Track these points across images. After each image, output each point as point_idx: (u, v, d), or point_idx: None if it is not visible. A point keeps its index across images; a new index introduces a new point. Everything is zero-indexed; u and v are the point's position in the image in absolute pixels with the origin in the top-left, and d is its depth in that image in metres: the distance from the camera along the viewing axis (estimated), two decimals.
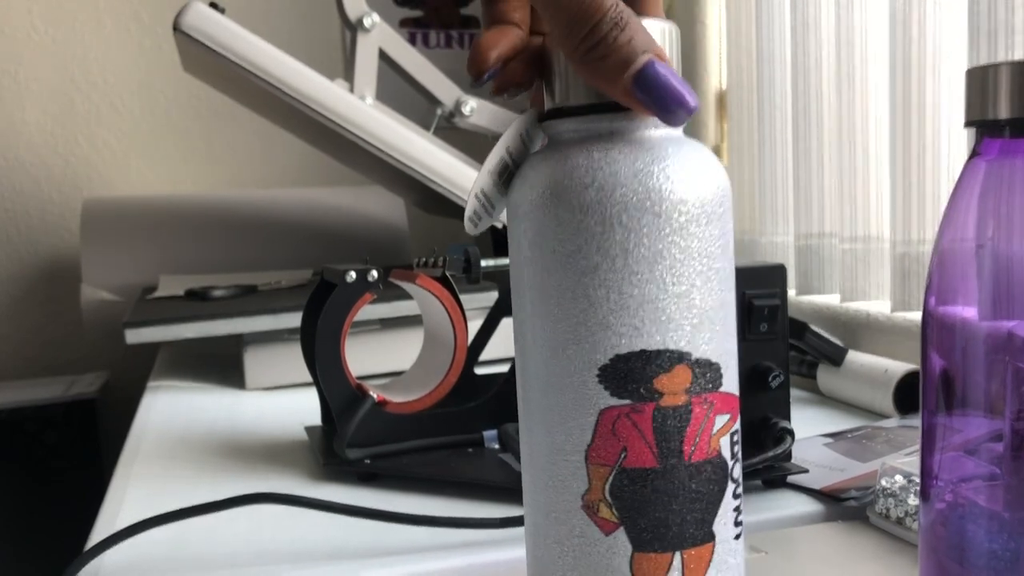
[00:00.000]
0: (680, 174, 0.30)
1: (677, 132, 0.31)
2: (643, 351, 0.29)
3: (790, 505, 0.50)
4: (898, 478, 0.46)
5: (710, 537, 0.31)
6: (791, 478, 0.52)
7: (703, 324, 0.30)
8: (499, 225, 0.94)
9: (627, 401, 0.30)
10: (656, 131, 0.31)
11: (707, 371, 0.30)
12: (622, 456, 0.30)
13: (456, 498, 0.53)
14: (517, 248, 0.32)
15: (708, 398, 0.30)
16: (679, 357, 0.30)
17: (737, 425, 0.31)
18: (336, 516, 0.49)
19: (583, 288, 0.30)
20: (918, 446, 0.50)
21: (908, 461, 0.47)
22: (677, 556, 0.30)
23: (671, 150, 0.30)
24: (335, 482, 0.57)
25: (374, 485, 0.56)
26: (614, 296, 0.29)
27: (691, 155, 0.30)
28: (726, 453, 0.31)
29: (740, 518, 0.32)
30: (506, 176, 0.33)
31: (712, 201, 0.30)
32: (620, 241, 0.29)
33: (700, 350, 0.30)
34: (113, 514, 0.54)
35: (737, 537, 0.32)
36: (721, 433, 0.31)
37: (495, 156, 0.33)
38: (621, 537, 0.30)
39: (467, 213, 0.34)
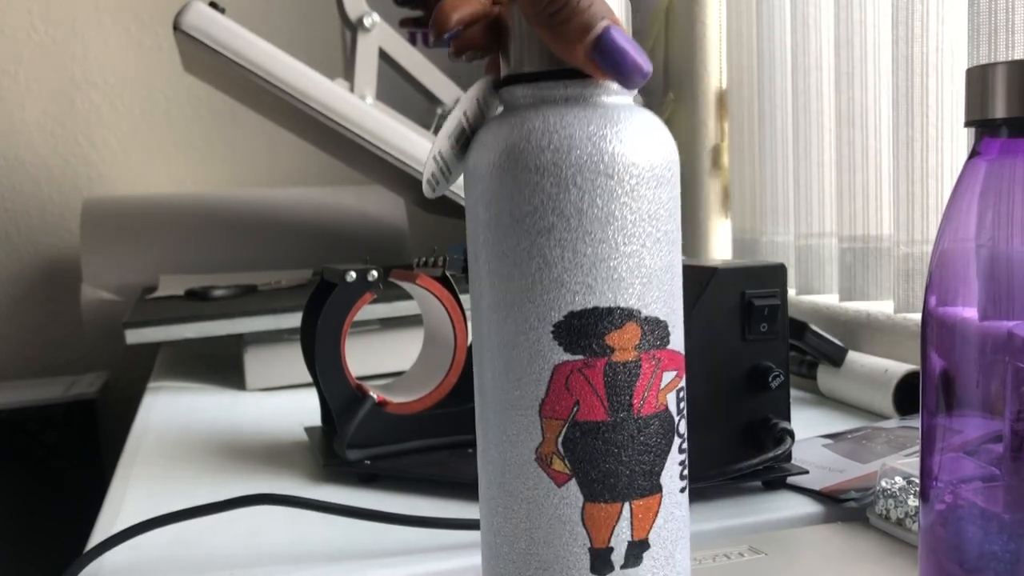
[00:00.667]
0: (632, 138, 0.31)
1: (628, 99, 0.32)
2: (596, 308, 0.31)
3: (790, 506, 0.50)
4: (898, 479, 0.46)
5: (657, 488, 0.32)
6: (791, 479, 0.52)
7: (652, 283, 0.31)
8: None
9: (580, 356, 0.31)
10: (609, 97, 0.32)
11: (655, 328, 0.32)
12: (575, 410, 0.31)
13: (456, 499, 0.53)
14: (474, 212, 0.33)
15: (656, 355, 0.32)
16: (629, 314, 0.31)
17: (683, 383, 0.33)
18: (336, 517, 0.49)
19: (539, 248, 0.31)
20: (918, 447, 0.50)
21: (908, 462, 0.47)
22: (626, 506, 0.32)
23: (623, 115, 0.31)
24: (335, 483, 0.57)
25: (374, 486, 0.56)
26: (568, 255, 0.31)
27: (642, 121, 0.32)
28: (672, 408, 0.32)
29: (685, 472, 0.33)
30: (463, 141, 0.34)
31: (661, 165, 0.32)
32: (575, 202, 0.31)
33: (649, 308, 0.31)
34: (113, 515, 0.53)
35: (682, 491, 0.33)
36: (668, 389, 0.32)
37: (453, 120, 0.34)
38: (573, 488, 0.31)
39: (425, 176, 0.35)
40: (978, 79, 0.31)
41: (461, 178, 0.35)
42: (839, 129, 0.80)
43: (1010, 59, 0.57)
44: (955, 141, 0.69)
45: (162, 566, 0.46)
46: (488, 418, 0.33)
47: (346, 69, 1.03)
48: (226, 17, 0.82)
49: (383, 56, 1.02)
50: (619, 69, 0.30)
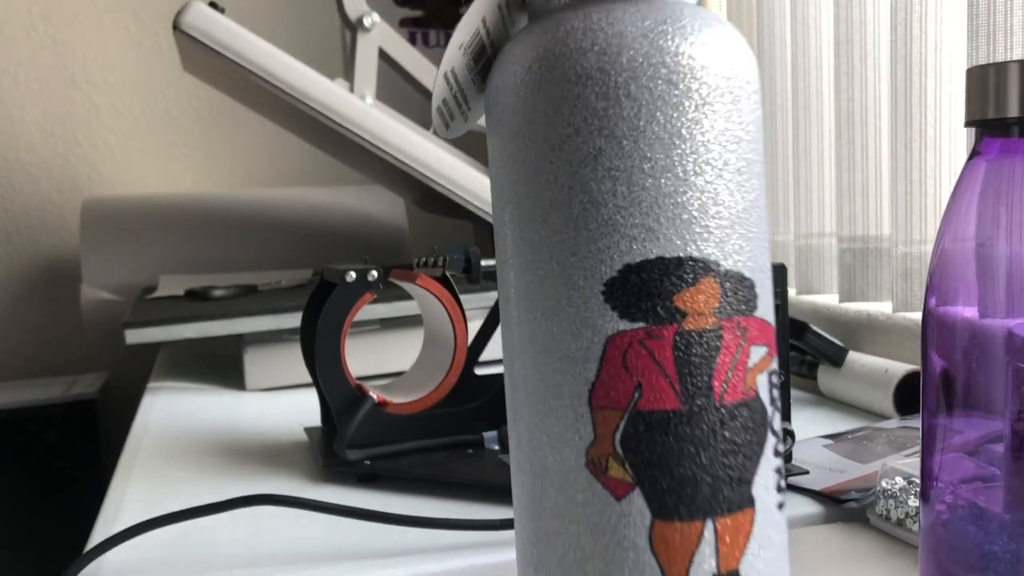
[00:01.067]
0: (702, 37, 0.24)
1: None
2: (660, 259, 0.24)
3: (790, 507, 0.50)
4: (898, 479, 0.46)
5: (749, 502, 0.24)
6: (791, 479, 0.52)
7: (733, 227, 0.24)
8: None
9: (640, 324, 0.24)
10: None
11: (740, 287, 0.24)
12: (636, 396, 0.24)
13: (456, 499, 0.53)
14: (498, 145, 0.26)
15: (742, 322, 0.24)
16: (705, 267, 0.24)
17: (775, 363, 0.25)
18: (336, 517, 0.49)
19: (581, 181, 0.24)
20: (918, 447, 0.50)
21: (908, 462, 0.47)
22: (709, 525, 0.24)
23: (688, 12, 0.24)
24: (335, 483, 0.57)
25: (374, 486, 0.56)
26: (621, 189, 0.24)
27: (710, 21, 0.25)
28: (764, 396, 0.25)
29: (783, 483, 0.26)
30: (483, 62, 0.27)
31: (740, 76, 0.25)
32: (628, 118, 0.24)
33: (731, 260, 0.24)
34: (113, 515, 0.53)
35: (780, 506, 0.26)
36: (758, 369, 0.25)
37: (467, 29, 0.27)
38: (637, 502, 0.24)
39: (434, 103, 0.28)
40: (979, 79, 0.31)
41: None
42: (839, 129, 0.80)
43: (1012, 59, 0.57)
44: (954, 141, 0.69)
45: (162, 566, 0.46)
46: (521, 414, 0.26)
47: (346, 69, 1.03)
48: (226, 17, 0.82)
49: (383, 56, 1.02)
50: None
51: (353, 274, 0.59)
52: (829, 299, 0.83)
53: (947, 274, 0.32)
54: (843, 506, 0.49)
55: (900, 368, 0.67)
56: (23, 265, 1.47)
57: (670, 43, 0.24)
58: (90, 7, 1.46)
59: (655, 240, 0.24)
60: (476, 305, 0.85)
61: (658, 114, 0.24)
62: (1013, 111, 0.30)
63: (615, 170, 0.24)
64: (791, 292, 0.88)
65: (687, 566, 0.24)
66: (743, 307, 0.24)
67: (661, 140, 0.24)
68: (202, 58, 0.86)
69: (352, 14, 1.00)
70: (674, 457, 0.24)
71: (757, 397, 0.25)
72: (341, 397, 0.59)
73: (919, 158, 0.70)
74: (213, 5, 0.83)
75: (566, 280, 0.24)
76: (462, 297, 0.63)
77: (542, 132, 0.24)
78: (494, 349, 0.69)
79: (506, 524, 0.46)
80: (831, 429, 0.62)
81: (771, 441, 0.25)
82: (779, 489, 0.26)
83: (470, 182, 0.89)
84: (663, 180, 0.24)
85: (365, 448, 0.58)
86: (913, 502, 0.44)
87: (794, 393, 0.75)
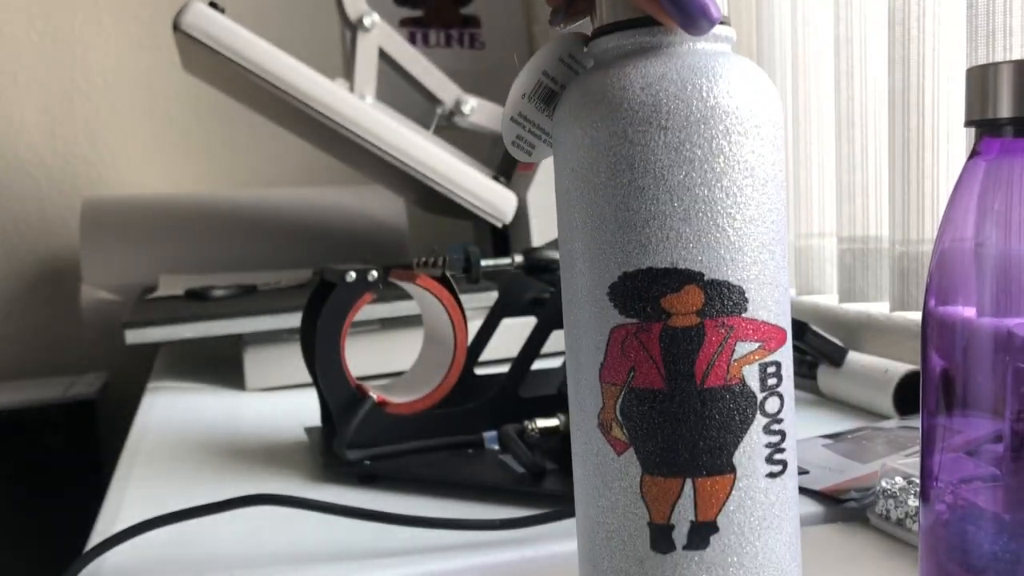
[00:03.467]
0: (731, 83, 0.29)
1: (724, 47, 0.31)
2: (650, 269, 0.29)
3: None
4: (898, 479, 0.46)
5: (729, 468, 0.30)
6: None
7: (720, 243, 0.29)
8: (500, 224, 0.94)
9: (634, 320, 0.29)
10: (701, 44, 0.30)
11: (725, 293, 0.29)
12: (630, 375, 0.30)
13: (456, 499, 0.53)
14: (557, 162, 0.32)
15: (727, 322, 0.29)
16: (689, 276, 0.29)
17: (775, 357, 0.30)
18: (336, 517, 0.49)
19: (595, 204, 0.30)
20: (918, 447, 0.50)
21: (908, 462, 0.47)
22: (688, 483, 0.30)
23: (720, 60, 0.29)
24: (335, 483, 0.57)
25: (374, 486, 0.56)
26: (621, 212, 0.29)
27: (742, 68, 0.30)
28: (753, 383, 0.30)
29: (779, 456, 0.30)
30: (553, 101, 0.33)
31: (765, 117, 0.29)
32: (626, 156, 0.29)
33: (717, 271, 0.29)
34: (113, 515, 0.53)
35: (772, 475, 0.30)
36: (745, 361, 0.30)
37: (529, 81, 0.33)
38: (632, 458, 0.30)
39: (508, 139, 0.34)
40: (978, 79, 0.31)
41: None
42: (838, 129, 0.80)
43: (1011, 59, 0.57)
44: (953, 141, 0.69)
45: (162, 566, 0.46)
46: (570, 381, 0.32)
47: (346, 69, 1.03)
48: (226, 17, 0.82)
49: (383, 56, 1.02)
50: (685, 12, 0.28)
51: (353, 274, 0.59)
52: (829, 299, 0.83)
53: (947, 274, 0.32)
54: (843, 506, 0.49)
55: (900, 368, 0.67)
56: (23, 265, 1.47)
57: (703, 86, 0.29)
58: (90, 7, 1.46)
59: (646, 254, 0.29)
60: (476, 305, 0.85)
61: (650, 154, 0.29)
62: (1014, 111, 0.30)
63: (615, 195, 0.29)
64: (791, 292, 0.88)
65: (668, 512, 0.30)
66: (729, 310, 0.29)
67: (651, 173, 0.29)
68: (202, 58, 0.86)
69: (352, 14, 1.00)
70: (658, 426, 0.30)
71: (743, 383, 0.30)
72: (341, 397, 0.59)
73: (918, 158, 0.70)
74: (213, 5, 0.83)
75: (587, 280, 0.31)
76: (462, 297, 0.63)
77: (586, 156, 0.30)
78: (494, 349, 0.69)
79: (506, 524, 0.46)
80: (831, 429, 0.62)
81: (759, 421, 0.30)
82: (771, 460, 0.30)
83: (470, 182, 0.89)
84: (651, 206, 0.29)
85: (365, 448, 0.58)
86: (913, 502, 0.44)
87: (794, 393, 0.75)
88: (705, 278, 0.29)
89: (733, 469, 0.30)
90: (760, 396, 0.30)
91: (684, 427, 0.29)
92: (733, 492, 0.30)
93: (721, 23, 0.30)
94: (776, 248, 0.30)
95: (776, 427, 0.30)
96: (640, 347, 0.29)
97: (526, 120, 0.34)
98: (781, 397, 0.30)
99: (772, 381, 0.30)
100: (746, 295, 0.29)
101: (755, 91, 0.30)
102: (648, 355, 0.29)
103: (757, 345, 0.30)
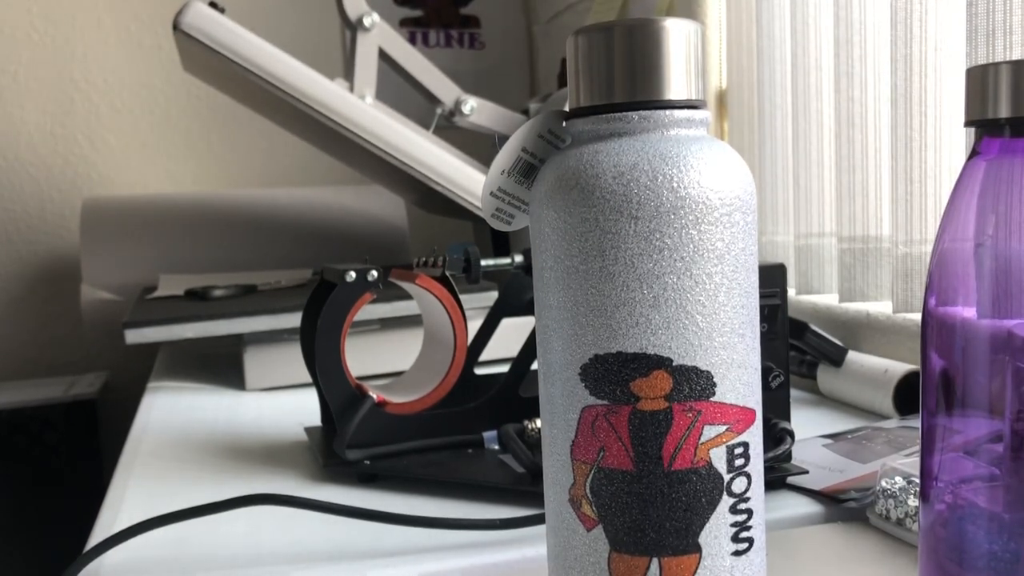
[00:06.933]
0: (702, 169, 0.29)
1: (699, 131, 0.31)
2: (620, 353, 0.29)
3: (790, 506, 0.50)
4: (898, 479, 0.46)
5: (694, 548, 0.30)
6: (791, 479, 0.52)
7: (689, 329, 0.29)
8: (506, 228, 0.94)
9: (605, 402, 0.30)
10: (674, 130, 0.30)
11: (693, 379, 0.29)
12: (600, 455, 0.30)
13: (456, 499, 0.53)
14: (534, 235, 0.33)
15: (694, 406, 0.30)
16: (659, 362, 0.29)
17: (743, 438, 0.30)
18: (336, 517, 0.49)
19: (570, 287, 0.30)
20: (918, 447, 0.50)
21: (908, 462, 0.47)
22: (655, 562, 0.30)
23: (693, 146, 0.30)
24: (335, 483, 0.57)
25: (374, 486, 0.56)
26: (592, 296, 0.30)
27: (714, 151, 0.30)
28: (720, 465, 0.30)
29: (745, 535, 0.31)
30: (532, 175, 0.34)
31: (736, 201, 0.30)
32: (596, 243, 0.29)
33: (687, 358, 0.29)
34: (113, 515, 0.53)
35: (737, 554, 0.31)
36: (713, 444, 0.30)
37: (508, 158, 0.34)
38: (600, 534, 0.30)
39: (488, 212, 0.35)
40: (978, 79, 0.31)
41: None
42: (839, 129, 0.80)
43: (1011, 59, 0.57)
44: (954, 141, 0.69)
45: (162, 566, 0.46)
46: (545, 453, 0.33)
47: (346, 69, 1.03)
48: (226, 17, 0.82)
49: (383, 56, 1.02)
50: None
51: (353, 274, 0.59)
52: (829, 299, 0.83)
53: (947, 274, 0.32)
54: (843, 506, 0.49)
55: (900, 368, 0.67)
56: (23, 265, 1.47)
57: (674, 176, 0.29)
58: (90, 7, 1.46)
59: (615, 338, 0.29)
60: (476, 305, 0.85)
61: (620, 242, 0.29)
62: (1014, 111, 0.30)
63: (587, 281, 0.30)
64: (791, 292, 0.88)
65: None
66: (697, 394, 0.30)
67: (622, 261, 0.29)
68: (202, 58, 0.86)
69: (352, 14, 1.00)
70: (626, 506, 0.30)
71: (709, 465, 0.30)
72: (341, 397, 0.59)
73: (919, 158, 0.70)
74: (213, 5, 0.83)
75: (559, 359, 0.31)
76: (462, 297, 0.63)
77: (560, 240, 0.30)
78: (494, 349, 0.69)
79: (506, 524, 0.46)
80: (831, 429, 0.62)
81: (726, 501, 0.30)
82: (736, 539, 0.31)
83: (470, 182, 0.89)
84: (621, 292, 0.29)
85: (365, 448, 0.58)
86: (913, 502, 0.44)
87: (794, 393, 0.75)
88: (674, 363, 0.29)
89: (699, 548, 0.30)
90: (727, 477, 0.30)
91: (651, 508, 0.30)
92: (699, 571, 0.30)
93: (695, 107, 0.30)
94: (746, 331, 0.31)
95: (742, 506, 0.31)
96: (610, 428, 0.30)
97: (505, 194, 0.34)
98: (749, 476, 0.31)
99: (739, 462, 0.30)
100: (714, 380, 0.30)
101: (726, 178, 0.30)
102: (617, 436, 0.30)
103: (724, 428, 0.30)
